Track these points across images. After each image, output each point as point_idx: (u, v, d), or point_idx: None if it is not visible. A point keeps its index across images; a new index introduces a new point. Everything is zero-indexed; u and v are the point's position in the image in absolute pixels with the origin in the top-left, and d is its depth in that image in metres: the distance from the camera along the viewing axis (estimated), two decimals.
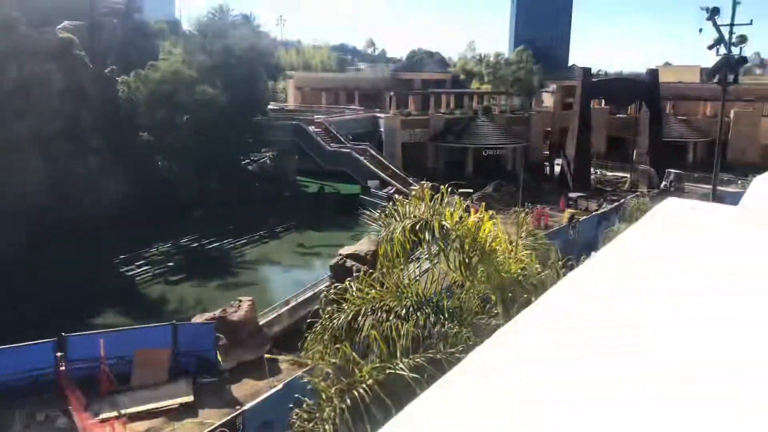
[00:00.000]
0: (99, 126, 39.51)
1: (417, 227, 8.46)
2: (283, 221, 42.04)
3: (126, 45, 47.48)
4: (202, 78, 45.16)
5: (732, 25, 21.73)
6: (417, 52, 76.13)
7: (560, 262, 9.51)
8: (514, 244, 9.33)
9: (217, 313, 21.98)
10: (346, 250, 29.42)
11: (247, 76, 47.85)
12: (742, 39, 21.78)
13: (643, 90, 54.38)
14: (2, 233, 28.62)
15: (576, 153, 51.26)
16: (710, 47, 22.15)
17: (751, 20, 22.03)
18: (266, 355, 18.40)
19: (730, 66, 22.19)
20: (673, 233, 1.86)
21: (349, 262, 28.17)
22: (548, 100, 69.74)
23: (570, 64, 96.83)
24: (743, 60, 22.36)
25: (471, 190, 44.88)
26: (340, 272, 26.22)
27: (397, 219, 8.88)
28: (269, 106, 57.54)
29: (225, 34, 49.02)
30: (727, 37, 21.97)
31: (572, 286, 1.53)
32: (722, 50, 22.25)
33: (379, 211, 10.00)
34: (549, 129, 63.63)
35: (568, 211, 40.71)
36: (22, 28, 36.04)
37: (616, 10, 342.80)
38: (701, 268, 1.53)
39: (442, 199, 9.51)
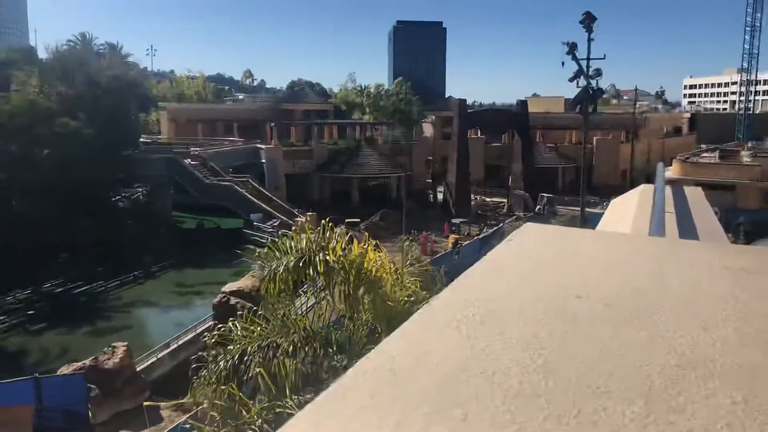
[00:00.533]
0: None
1: (300, 263, 8.10)
2: (159, 260, 39.71)
3: None
4: (64, 110, 41.96)
5: (588, 59, 23.40)
6: (297, 83, 75.96)
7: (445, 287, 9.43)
8: (398, 272, 9.14)
9: (88, 361, 20.35)
10: (229, 287, 28.12)
11: (115, 108, 45.03)
12: (598, 72, 23.53)
13: (514, 120, 57.58)
14: None
15: (456, 180, 53.07)
16: (571, 80, 23.74)
17: (605, 55, 23.92)
18: (146, 403, 17.57)
19: (589, 97, 23.82)
20: (524, 257, 1.88)
21: (232, 300, 26.92)
22: (429, 130, 72.06)
23: (447, 95, 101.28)
24: (600, 91, 24.12)
25: (358, 220, 45.02)
26: (223, 311, 24.98)
27: (278, 256, 8.55)
28: (141, 139, 54.81)
29: (87, 63, 45.99)
30: (585, 70, 23.68)
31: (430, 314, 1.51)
32: (582, 82, 23.99)
33: (258, 251, 9.60)
34: (431, 158, 65.62)
35: (452, 237, 41.72)
36: None
37: (490, 45, 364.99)
38: (537, 289, 1.58)
39: (324, 232, 9.28)
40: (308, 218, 45.58)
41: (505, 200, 57.28)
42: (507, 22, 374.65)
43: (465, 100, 58.59)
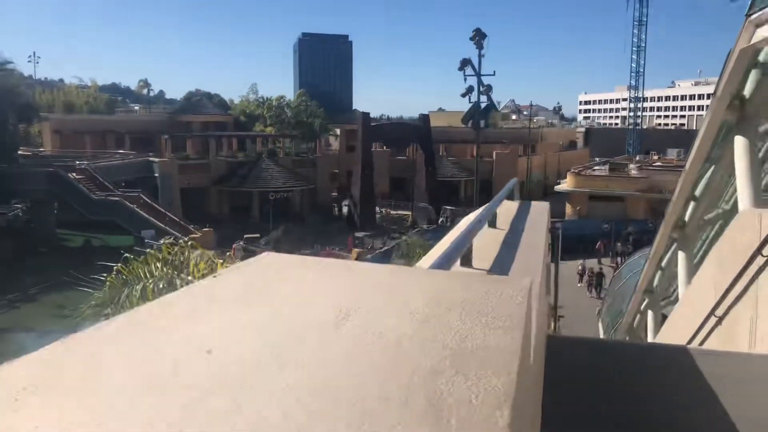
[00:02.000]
0: None
1: (160, 286, 7.21)
2: (40, 281, 36.57)
3: None
4: None
5: (479, 75, 23.52)
6: (195, 94, 73.12)
7: None
8: None
9: None
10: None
11: None
12: (489, 88, 23.70)
13: (416, 133, 58.07)
14: None
15: (361, 193, 52.67)
16: (463, 95, 23.80)
17: (494, 71, 24.19)
18: None
19: (481, 111, 23.95)
20: (248, 284, 1.63)
21: None
22: (336, 143, 71.44)
23: (354, 109, 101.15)
24: (492, 106, 24.32)
25: (258, 235, 43.50)
26: None
27: (130, 281, 7.75)
28: (20, 152, 50.65)
29: None
30: (477, 86, 23.81)
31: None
32: (476, 97, 24.10)
33: (106, 275, 8.66)
34: (337, 171, 65.05)
35: (355, 251, 41.21)
36: None
37: (397, 59, 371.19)
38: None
39: (183, 253, 8.51)
40: (203, 233, 43.65)
41: (410, 213, 57.56)
42: (414, 37, 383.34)
43: (368, 113, 58.54)
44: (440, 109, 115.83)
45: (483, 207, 4.87)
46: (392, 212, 61.19)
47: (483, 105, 23.84)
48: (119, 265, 9.15)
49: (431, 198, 55.48)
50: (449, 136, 68.45)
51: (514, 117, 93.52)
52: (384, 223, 55.80)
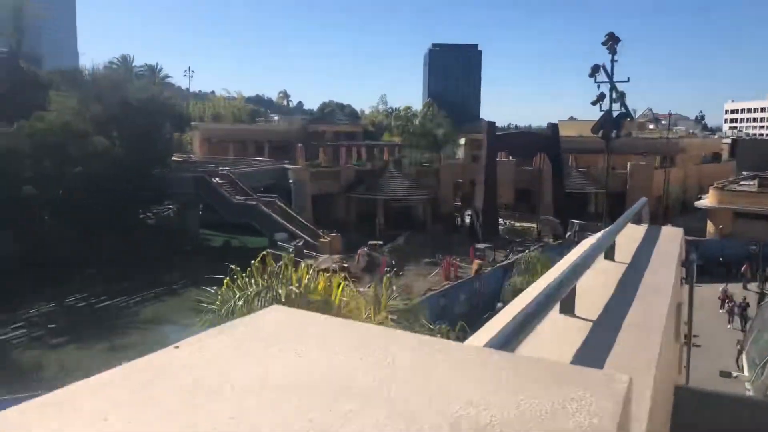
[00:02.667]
0: None
1: (261, 295, 7.85)
2: (183, 277, 40.05)
3: (12, 95, 44.63)
4: (97, 129, 43.04)
5: (612, 81, 22.70)
6: (328, 104, 76.58)
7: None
8: (375, 305, 8.74)
9: None
10: None
11: (147, 128, 46.04)
12: (622, 95, 22.77)
13: (544, 143, 56.62)
14: None
15: (483, 204, 52.28)
16: (593, 103, 23.02)
17: (628, 78, 23.17)
18: None
19: (612, 121, 23.07)
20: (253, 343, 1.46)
21: None
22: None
23: (482, 118, 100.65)
24: (625, 114, 23.31)
25: (381, 242, 44.58)
26: None
27: (234, 294, 8.39)
28: (174, 158, 55.71)
29: (122, 85, 47.18)
30: (610, 93, 22.94)
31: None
32: (608, 105, 23.24)
33: (215, 289, 9.43)
34: (460, 180, 65.05)
35: (476, 262, 40.95)
36: None
37: (527, 68, 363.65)
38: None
39: (287, 268, 9.10)
40: (332, 238, 45.51)
41: (534, 225, 56.16)
42: (546, 44, 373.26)
43: (494, 122, 57.97)
44: (571, 118, 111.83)
45: (601, 232, 4.21)
46: (516, 224, 59.98)
47: (616, 113, 22.89)
48: (255, 263, 9.92)
49: (557, 210, 53.81)
50: (580, 145, 66.01)
51: (651, 126, 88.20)
52: (507, 235, 54.87)
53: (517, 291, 18.57)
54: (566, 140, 61.74)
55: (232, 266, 10.31)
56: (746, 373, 20.24)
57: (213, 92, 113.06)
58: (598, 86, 24.10)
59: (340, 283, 8.10)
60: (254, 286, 8.10)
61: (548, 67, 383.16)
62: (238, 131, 67.37)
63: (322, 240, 44.17)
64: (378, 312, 8.73)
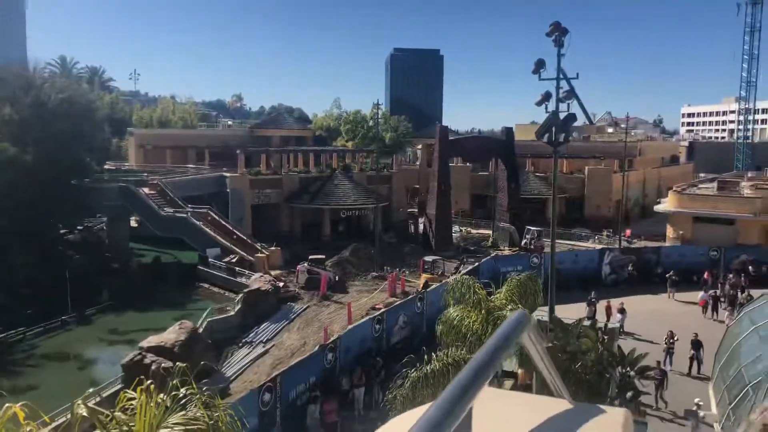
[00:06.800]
0: None
1: None
2: (104, 300, 36.13)
3: None
4: (6, 134, 38.80)
5: (558, 78, 19.89)
6: (276, 108, 73.07)
7: None
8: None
9: None
10: (148, 342, 24.36)
11: (68, 134, 41.83)
12: (569, 93, 19.95)
13: (498, 147, 54.17)
14: None
15: (436, 211, 49.38)
16: (538, 103, 20.18)
17: (577, 74, 20.39)
18: None
19: (560, 123, 20.25)
20: None
21: (148, 358, 23.13)
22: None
23: (444, 123, 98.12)
24: (573, 116, 20.47)
25: (323, 256, 41.08)
26: (134, 372, 21.10)
27: None
28: (107, 166, 51.65)
29: (34, 86, 42.84)
30: (556, 92, 20.15)
31: None
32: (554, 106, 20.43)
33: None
34: (417, 186, 62.22)
35: (424, 277, 37.92)
36: None
37: (489, 72, 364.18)
38: None
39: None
40: (271, 252, 41.96)
41: (490, 233, 53.63)
42: (508, 49, 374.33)
43: (446, 126, 55.26)
44: (533, 122, 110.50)
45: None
46: (473, 231, 57.46)
47: (563, 114, 20.06)
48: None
49: (513, 216, 51.28)
50: (538, 150, 63.74)
51: (610, 130, 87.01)
52: (462, 243, 52.14)
53: (452, 329, 15.30)
54: (524, 144, 59.51)
55: None
56: (713, 409, 17.58)
57: (161, 96, 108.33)
58: (559, 85, 21.09)
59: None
60: None
61: (511, 70, 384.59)
62: (176, 136, 63.18)
63: (258, 255, 40.62)
64: None
